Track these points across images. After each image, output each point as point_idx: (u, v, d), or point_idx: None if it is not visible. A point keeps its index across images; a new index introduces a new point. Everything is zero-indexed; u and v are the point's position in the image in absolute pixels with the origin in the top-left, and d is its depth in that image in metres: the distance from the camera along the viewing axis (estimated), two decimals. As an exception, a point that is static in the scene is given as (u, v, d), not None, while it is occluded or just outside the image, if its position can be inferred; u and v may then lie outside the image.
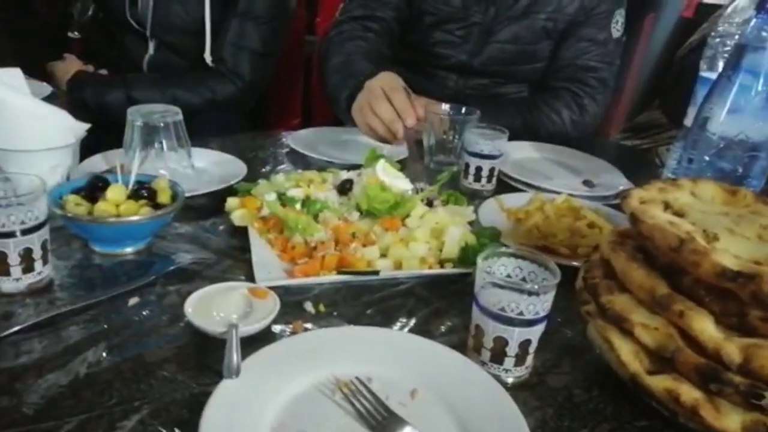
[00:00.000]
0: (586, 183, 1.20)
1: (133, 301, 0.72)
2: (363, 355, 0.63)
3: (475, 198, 1.09)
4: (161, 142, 1.01)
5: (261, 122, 1.97)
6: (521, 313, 0.59)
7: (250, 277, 0.78)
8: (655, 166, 1.51)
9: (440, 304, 0.77)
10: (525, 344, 0.61)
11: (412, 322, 0.74)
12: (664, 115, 1.61)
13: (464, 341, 0.66)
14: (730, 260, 0.52)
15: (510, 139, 1.15)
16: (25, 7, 2.10)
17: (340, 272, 0.80)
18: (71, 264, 0.79)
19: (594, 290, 0.63)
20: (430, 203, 0.96)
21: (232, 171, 1.07)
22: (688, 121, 0.99)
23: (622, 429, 0.60)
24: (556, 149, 1.36)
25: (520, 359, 0.62)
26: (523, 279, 0.64)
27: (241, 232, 0.88)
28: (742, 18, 1.02)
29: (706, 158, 0.84)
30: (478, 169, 1.13)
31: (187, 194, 0.88)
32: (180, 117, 1.04)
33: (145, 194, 0.83)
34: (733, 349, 0.51)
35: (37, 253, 0.71)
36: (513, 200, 1.06)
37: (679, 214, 0.63)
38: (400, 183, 0.95)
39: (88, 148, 1.01)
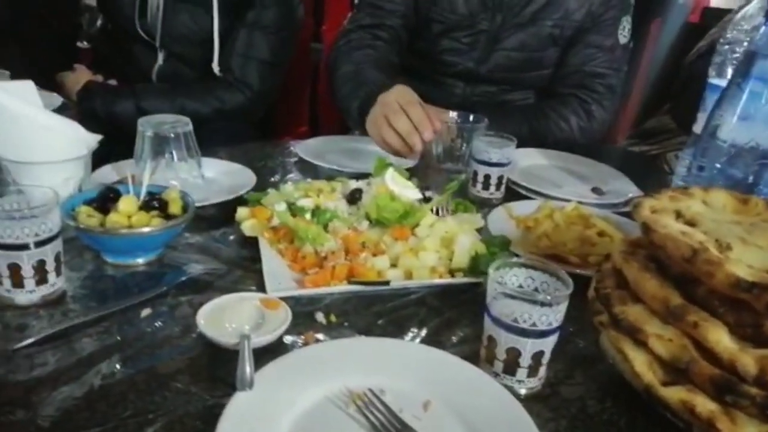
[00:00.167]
0: (595, 190, 1.19)
1: (146, 312, 0.73)
2: (375, 366, 0.63)
3: (483, 206, 1.09)
4: (171, 153, 1.02)
5: (268, 130, 1.97)
6: (534, 324, 0.59)
7: (261, 288, 0.78)
8: (664, 172, 1.50)
9: (451, 314, 0.77)
10: (538, 355, 0.61)
11: (424, 332, 0.74)
12: (674, 121, 1.60)
13: (476, 351, 0.66)
14: (745, 270, 0.52)
15: (517, 146, 1.15)
16: (34, 17, 2.12)
17: (350, 282, 0.80)
18: (83, 275, 0.80)
19: (606, 300, 0.63)
20: (437, 212, 0.96)
21: (242, 181, 1.08)
22: (697, 127, 0.99)
23: (636, 440, 0.60)
24: (564, 156, 1.36)
25: (533, 370, 0.62)
26: (535, 289, 0.64)
27: (252, 243, 0.89)
28: (751, 25, 1.02)
29: (717, 166, 0.84)
30: (487, 177, 1.13)
31: (197, 204, 0.88)
32: (190, 128, 1.04)
33: (157, 205, 0.84)
34: (748, 360, 0.51)
35: (50, 265, 0.72)
36: (522, 208, 1.06)
37: (691, 223, 0.63)
38: (410, 192, 0.95)
39: (98, 158, 1.01)
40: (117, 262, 0.82)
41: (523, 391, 0.63)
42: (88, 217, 0.80)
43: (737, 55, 1.02)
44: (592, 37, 1.46)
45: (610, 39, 1.46)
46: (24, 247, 0.69)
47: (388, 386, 0.60)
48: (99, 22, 2.10)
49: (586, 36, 1.46)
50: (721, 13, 1.70)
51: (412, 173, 1.07)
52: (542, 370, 0.63)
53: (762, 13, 1.03)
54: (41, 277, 0.71)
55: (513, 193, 1.17)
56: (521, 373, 0.62)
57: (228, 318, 0.68)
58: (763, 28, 0.83)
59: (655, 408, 0.59)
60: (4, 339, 0.66)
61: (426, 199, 0.98)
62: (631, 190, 1.19)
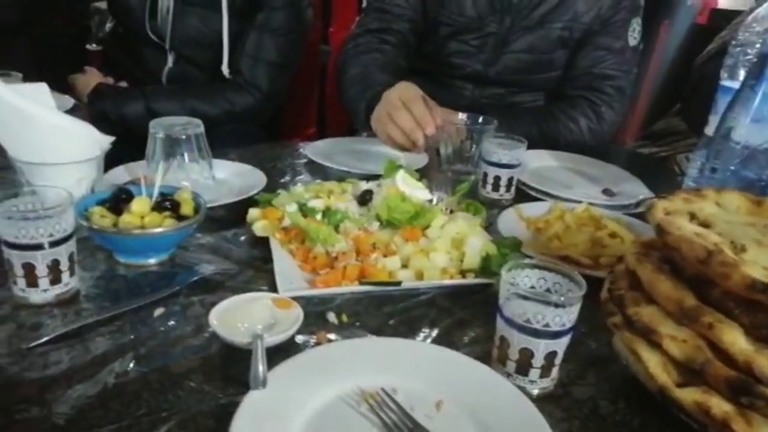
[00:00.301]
0: (606, 192, 1.19)
1: (158, 311, 0.73)
2: (387, 366, 0.63)
3: (493, 207, 1.09)
4: (183, 154, 1.02)
5: (276, 132, 1.98)
6: (547, 325, 0.59)
7: (273, 288, 0.79)
8: (674, 174, 1.50)
9: (463, 315, 0.77)
10: (551, 356, 0.61)
11: (435, 332, 0.74)
12: (685, 123, 1.60)
13: (488, 352, 0.66)
14: (760, 272, 0.52)
15: (527, 147, 1.15)
16: (44, 20, 2.14)
17: (362, 283, 0.80)
18: (96, 275, 0.80)
19: (620, 302, 0.63)
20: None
21: (252, 182, 1.08)
22: (709, 129, 0.98)
23: (649, 441, 0.59)
24: (574, 158, 1.36)
25: (545, 371, 0.62)
26: (548, 290, 0.64)
27: (263, 243, 0.89)
28: (763, 27, 1.02)
29: (731, 168, 0.83)
30: (497, 178, 1.13)
31: (208, 205, 0.88)
32: (201, 129, 1.05)
33: (169, 206, 0.84)
34: (764, 361, 0.50)
35: (64, 265, 0.72)
36: (532, 209, 1.06)
37: (705, 224, 0.62)
38: (420, 193, 0.95)
39: (108, 159, 1.02)
40: (129, 262, 0.83)
41: (535, 392, 0.62)
42: (101, 218, 0.81)
43: (749, 57, 1.02)
44: (602, 39, 1.46)
45: (619, 41, 1.46)
46: (38, 247, 0.69)
47: (400, 386, 0.60)
48: (108, 25, 2.12)
49: (595, 38, 1.46)
50: (729, 15, 1.70)
51: (422, 174, 1.07)
52: (555, 371, 0.63)
53: (773, 15, 1.03)
54: (55, 276, 0.72)
55: (523, 194, 1.17)
56: (534, 373, 0.62)
57: (240, 318, 0.68)
58: (775, 30, 0.83)
59: (669, 409, 0.59)
60: (19, 338, 0.66)
61: (437, 201, 0.98)
62: (642, 192, 1.18)
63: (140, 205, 0.82)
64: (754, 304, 0.53)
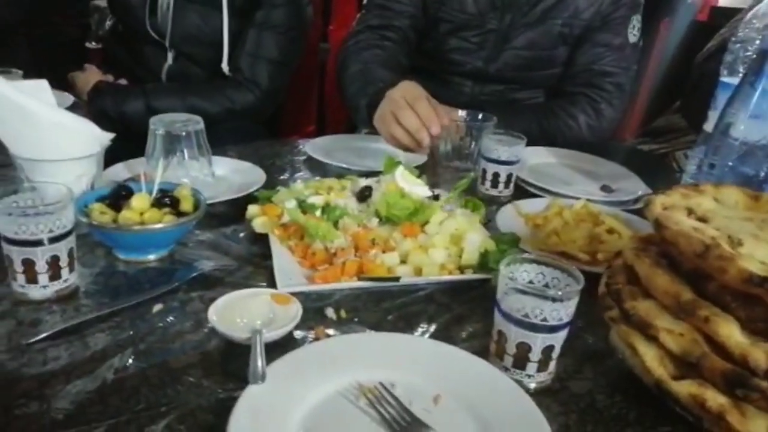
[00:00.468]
0: (605, 188, 1.19)
1: (158, 307, 0.73)
2: (385, 360, 0.63)
3: (492, 204, 1.09)
4: (183, 151, 1.02)
5: (276, 129, 1.98)
6: (545, 319, 0.59)
7: (272, 284, 0.79)
8: (672, 170, 1.50)
9: (461, 310, 0.77)
10: (548, 350, 0.61)
11: (433, 327, 0.74)
12: (685, 120, 1.60)
13: (486, 347, 0.67)
14: (757, 266, 0.52)
15: (526, 144, 1.15)
16: (44, 18, 2.14)
17: (360, 278, 0.80)
18: (96, 271, 0.81)
19: (617, 296, 0.63)
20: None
21: (252, 178, 1.08)
22: (708, 126, 0.98)
23: (645, 435, 0.60)
24: (573, 154, 1.36)
25: (543, 365, 0.62)
26: (546, 285, 0.64)
27: (262, 239, 0.89)
28: (762, 23, 1.02)
29: (729, 163, 0.84)
30: (496, 175, 1.13)
31: (208, 202, 0.89)
32: (202, 126, 1.05)
33: (168, 202, 0.85)
34: (760, 354, 0.51)
35: (63, 261, 0.72)
36: (531, 206, 1.06)
37: (703, 219, 0.63)
38: (419, 190, 0.95)
39: (108, 156, 1.02)
40: (129, 259, 0.83)
41: (532, 386, 0.63)
42: (101, 214, 0.81)
43: (749, 53, 1.02)
44: (602, 36, 1.46)
45: (619, 38, 1.46)
46: (38, 243, 0.70)
47: (398, 380, 0.61)
48: (108, 23, 2.12)
49: (595, 35, 1.46)
50: (729, 12, 1.70)
51: (421, 171, 1.07)
52: (552, 365, 0.63)
53: (773, 12, 1.03)
54: (54, 272, 0.72)
55: (522, 190, 1.17)
56: (531, 367, 0.62)
57: (239, 313, 0.68)
58: (774, 26, 0.83)
59: (665, 402, 0.59)
60: (18, 333, 0.67)
61: (435, 197, 0.98)
62: (640, 188, 1.18)
63: (140, 201, 0.83)
64: (751, 297, 0.53)
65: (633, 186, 1.20)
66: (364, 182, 1.01)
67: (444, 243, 0.86)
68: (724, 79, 1.02)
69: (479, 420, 0.57)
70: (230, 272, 0.82)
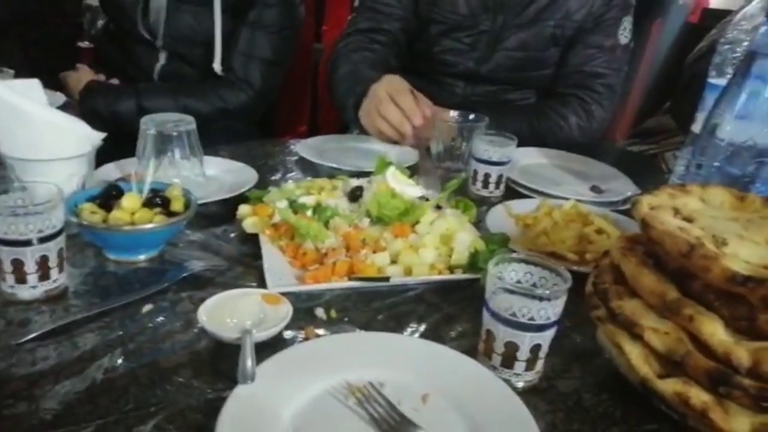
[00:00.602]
0: (594, 189, 1.20)
1: (147, 308, 0.73)
2: (375, 360, 0.64)
3: (483, 204, 1.09)
4: (174, 151, 1.02)
5: (268, 130, 1.98)
6: (532, 318, 0.60)
7: (262, 284, 0.79)
8: (661, 171, 1.51)
9: (450, 310, 0.78)
10: (536, 349, 0.62)
11: (423, 327, 0.74)
12: (675, 121, 1.61)
13: (474, 346, 0.67)
14: (740, 265, 0.53)
15: (517, 145, 1.16)
16: (36, 17, 2.14)
17: (351, 278, 0.81)
18: (85, 272, 0.80)
19: (604, 295, 0.64)
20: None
21: (243, 179, 1.08)
22: (696, 127, 0.99)
23: (631, 433, 0.60)
24: (564, 155, 1.37)
25: (530, 364, 0.62)
26: (534, 284, 0.64)
27: (253, 240, 0.89)
28: (751, 24, 1.03)
29: (715, 164, 0.84)
30: (486, 175, 1.14)
31: (199, 202, 0.89)
32: (193, 126, 1.05)
33: (159, 202, 0.85)
34: (742, 352, 0.51)
35: (53, 261, 0.72)
36: (521, 206, 1.07)
37: (689, 219, 0.63)
38: (410, 190, 0.96)
39: (99, 156, 1.02)
40: (119, 259, 0.83)
41: (520, 385, 0.63)
42: (92, 214, 0.81)
43: (737, 54, 1.03)
44: (593, 38, 1.47)
45: (610, 39, 1.47)
46: (27, 243, 0.70)
47: (387, 380, 0.61)
48: (100, 22, 2.11)
49: (586, 36, 1.47)
50: (720, 14, 1.71)
51: (413, 171, 1.07)
52: (540, 364, 0.64)
53: (763, 13, 1.04)
54: (44, 272, 0.72)
55: (512, 191, 1.18)
56: (519, 366, 0.62)
57: (229, 313, 0.68)
58: (763, 28, 0.84)
59: (651, 400, 0.60)
60: (7, 333, 0.67)
61: (425, 199, 0.99)
62: (630, 189, 1.19)
63: (130, 201, 0.83)
64: (734, 296, 0.54)
65: (623, 187, 1.21)
66: (355, 182, 1.01)
67: (434, 243, 0.87)
68: (712, 80, 1.03)
69: (467, 419, 0.57)
70: (221, 272, 0.82)
